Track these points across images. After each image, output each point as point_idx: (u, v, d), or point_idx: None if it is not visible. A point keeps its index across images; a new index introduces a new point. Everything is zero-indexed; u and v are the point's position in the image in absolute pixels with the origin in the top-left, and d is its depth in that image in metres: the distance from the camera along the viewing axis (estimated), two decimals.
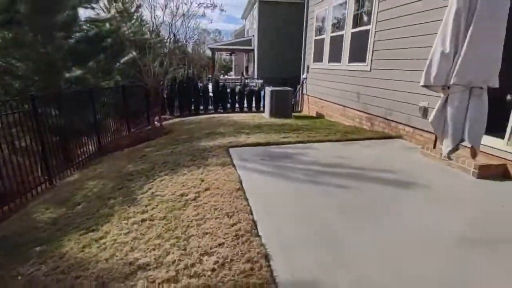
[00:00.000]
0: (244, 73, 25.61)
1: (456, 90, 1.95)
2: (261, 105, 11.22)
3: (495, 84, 1.96)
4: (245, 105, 11.48)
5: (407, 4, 4.93)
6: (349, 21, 6.78)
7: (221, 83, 11.39)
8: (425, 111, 4.59)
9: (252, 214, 2.59)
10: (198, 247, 2.18)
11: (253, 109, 11.37)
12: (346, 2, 6.88)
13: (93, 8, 8.79)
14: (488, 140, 3.61)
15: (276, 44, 18.94)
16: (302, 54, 9.93)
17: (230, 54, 30.29)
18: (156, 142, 6.17)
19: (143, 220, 2.73)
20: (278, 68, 17.74)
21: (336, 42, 7.44)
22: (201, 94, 11.16)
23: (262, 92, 11.39)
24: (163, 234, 2.44)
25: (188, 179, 3.54)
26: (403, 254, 2.08)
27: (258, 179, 3.41)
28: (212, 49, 23.23)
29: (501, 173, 3.45)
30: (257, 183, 3.27)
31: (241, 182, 3.27)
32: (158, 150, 5.38)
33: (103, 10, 10.12)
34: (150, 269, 2.02)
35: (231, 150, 4.56)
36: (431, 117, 2.18)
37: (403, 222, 2.51)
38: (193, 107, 11.11)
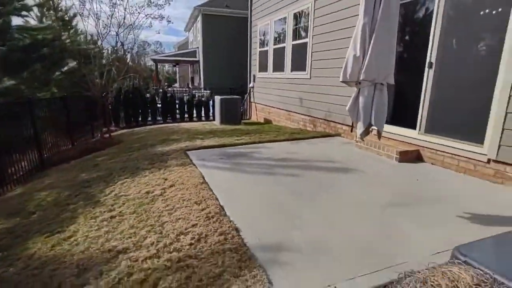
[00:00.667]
0: (190, 83, 25.61)
1: (365, 85, 2.54)
2: (211, 114, 11.52)
3: (391, 81, 2.61)
4: (194, 114, 11.65)
5: (333, 22, 5.78)
6: (289, 34, 7.54)
7: (169, 94, 11.42)
8: None
9: (218, 200, 2.90)
10: (174, 229, 2.42)
11: (203, 118, 11.59)
12: (285, 17, 7.64)
13: (23, 16, 8.29)
14: (405, 132, 4.46)
15: (220, 56, 19.48)
16: (248, 64, 10.54)
17: (174, 66, 30.04)
18: (107, 152, 6.07)
19: (112, 217, 2.84)
20: (224, 78, 18.23)
21: (279, 53, 8.16)
22: (148, 104, 11.04)
23: (211, 102, 11.73)
24: (136, 225, 2.61)
25: (151, 179, 3.70)
26: (343, 219, 2.59)
27: (219, 174, 3.72)
28: (155, 60, 22.88)
29: (415, 157, 4.29)
30: (218, 177, 3.57)
31: (203, 177, 3.54)
32: (111, 158, 5.34)
33: (34, 19, 9.53)
34: (130, 252, 2.20)
35: (188, 152, 4.79)
36: (348, 106, 2.75)
37: (343, 198, 3.06)
38: (140, 118, 10.93)
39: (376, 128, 2.76)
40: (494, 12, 3.47)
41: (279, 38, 8.19)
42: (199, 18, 19.52)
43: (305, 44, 6.84)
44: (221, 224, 2.41)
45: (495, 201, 2.95)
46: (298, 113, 7.44)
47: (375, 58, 2.40)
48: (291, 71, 7.59)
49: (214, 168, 3.97)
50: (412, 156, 4.27)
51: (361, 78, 2.49)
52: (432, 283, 1.57)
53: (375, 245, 2.19)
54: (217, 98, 8.86)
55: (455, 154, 3.80)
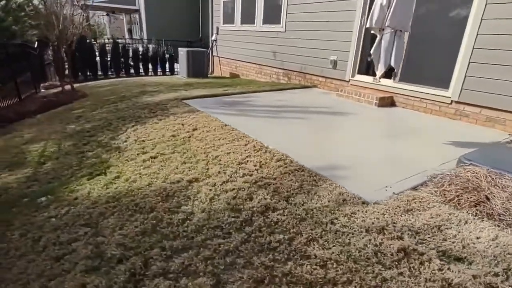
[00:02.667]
0: (126, 36, 23.20)
1: (388, 31, 2.97)
2: (167, 68, 11.00)
3: (409, 29, 3.09)
4: (150, 69, 10.96)
5: None
6: None
7: (122, 45, 10.45)
8: (335, 63, 5.90)
9: (252, 137, 3.17)
10: (231, 161, 2.67)
11: (159, 72, 11.01)
12: None
13: None
14: (383, 81, 5.14)
15: (168, 5, 17.95)
16: (210, 16, 10.13)
17: (107, 15, 26.52)
18: (82, 105, 5.62)
19: (153, 157, 2.93)
20: (176, 30, 17.06)
21: (249, 5, 8.06)
22: (98, 57, 10.00)
23: (167, 56, 11.14)
24: (187, 161, 2.77)
25: (167, 124, 3.74)
26: (361, 146, 3.14)
27: (234, 118, 3.92)
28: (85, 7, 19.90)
29: (390, 103, 5.05)
30: (236, 121, 3.77)
31: (222, 121, 3.73)
32: (93, 110, 5.03)
33: None
34: (202, 180, 2.41)
35: (186, 101, 4.79)
36: (372, 49, 3.17)
37: (352, 133, 3.62)
38: (89, 72, 9.91)
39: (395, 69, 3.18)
40: None
41: None
42: None
43: None
44: (272, 154, 2.74)
45: (457, 131, 3.82)
46: (271, 67, 7.70)
47: (399, 8, 2.81)
48: (263, 24, 7.66)
49: (225, 114, 4.14)
50: (388, 102, 5.02)
51: (385, 25, 2.89)
52: (460, 176, 2.20)
53: (396, 160, 2.79)
54: (183, 51, 8.52)
55: (423, 98, 4.62)
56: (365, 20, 5.29)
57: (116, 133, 3.72)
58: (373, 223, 1.81)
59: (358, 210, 1.94)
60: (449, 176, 2.26)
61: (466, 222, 1.86)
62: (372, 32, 3.10)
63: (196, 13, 19.06)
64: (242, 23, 8.50)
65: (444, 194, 2.12)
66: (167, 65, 11.14)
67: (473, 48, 3.97)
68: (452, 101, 4.29)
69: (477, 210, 1.94)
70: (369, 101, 5.01)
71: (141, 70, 10.76)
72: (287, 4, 6.77)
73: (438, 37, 4.48)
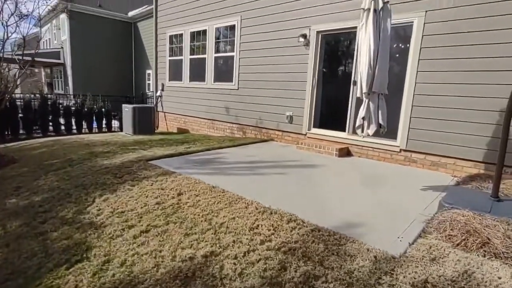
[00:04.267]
0: (45, 90, 21.17)
1: (374, 95, 3.39)
2: (104, 125, 10.24)
3: (386, 91, 3.55)
4: (84, 126, 10.03)
5: (259, 41, 6.62)
6: (211, 47, 7.88)
7: (51, 100, 9.47)
8: (291, 118, 6.33)
9: (248, 198, 3.07)
10: (240, 227, 2.51)
11: (94, 129, 10.14)
12: (206, 30, 7.94)
13: None
14: (337, 133, 5.67)
15: (98, 60, 17.33)
16: (153, 73, 10.08)
17: (21, 68, 24.06)
18: (14, 172, 4.74)
19: (145, 232, 2.58)
20: (109, 86, 16.31)
21: (198, 64, 8.33)
22: (21, 113, 8.80)
23: (104, 111, 10.44)
24: (190, 232, 2.51)
25: (143, 192, 3.38)
26: (351, 197, 3.32)
27: (215, 178, 3.75)
28: None
29: (346, 152, 5.54)
30: (219, 181, 3.62)
31: (205, 183, 3.55)
32: (36, 178, 4.29)
33: None
34: (220, 253, 2.19)
35: (152, 162, 4.47)
36: (362, 113, 3.50)
37: (326, 182, 3.81)
38: (8, 132, 8.58)
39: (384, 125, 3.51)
40: (401, 46, 5.08)
41: (198, 49, 8.37)
42: (64, 15, 16.70)
43: (232, 57, 7.37)
44: (280, 215, 2.68)
45: (414, 176, 4.37)
46: (224, 121, 7.84)
47: (380, 75, 3.25)
48: (214, 81, 7.93)
49: (203, 174, 3.96)
50: (345, 152, 5.50)
51: (372, 90, 3.29)
52: (456, 220, 2.47)
53: (388, 209, 3.01)
54: (128, 107, 8.16)
55: (376, 148, 5.22)
56: (316, 80, 5.95)
57: (82, 206, 3.21)
58: (414, 278, 1.87)
59: (394, 266, 1.99)
60: (446, 221, 2.52)
61: (481, 264, 2.05)
62: (358, 96, 3.48)
63: (129, 67, 18.76)
64: (191, 80, 8.65)
65: (450, 239, 2.33)
66: (103, 122, 10.38)
67: (412, 106, 4.76)
68: (401, 149, 4.94)
69: (484, 251, 2.18)
70: (329, 152, 5.42)
71: (74, 128, 9.77)
72: (239, 64, 7.22)
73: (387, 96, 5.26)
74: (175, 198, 3.16)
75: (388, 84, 4.77)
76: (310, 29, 5.85)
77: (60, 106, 9.66)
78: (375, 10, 3.12)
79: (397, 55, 5.33)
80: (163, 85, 9.71)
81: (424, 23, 4.55)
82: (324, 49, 6.05)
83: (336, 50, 6.83)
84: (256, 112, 6.99)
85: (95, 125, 10.17)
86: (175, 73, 9.16)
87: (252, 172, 4.22)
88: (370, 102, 3.33)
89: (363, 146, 5.37)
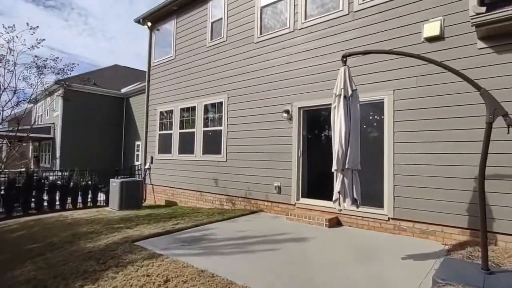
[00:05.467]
0: (31, 165, 20.94)
1: (348, 171, 3.56)
2: (89, 199, 9.97)
3: (359, 168, 3.74)
4: (68, 201, 9.74)
5: (246, 116, 7.06)
6: (200, 122, 8.29)
7: (37, 176, 9.34)
8: (279, 189, 6.41)
9: (239, 283, 2.95)
10: None
11: (79, 204, 9.84)
12: (195, 107, 8.45)
13: None
14: (326, 203, 5.72)
15: (88, 135, 17.68)
16: (143, 146, 10.31)
17: (7, 144, 24.10)
18: None
19: None
20: (95, 158, 16.36)
21: (187, 137, 8.64)
22: (2, 190, 8.57)
23: (91, 185, 10.28)
24: None
25: (128, 280, 3.21)
26: (340, 274, 3.24)
27: (205, 260, 3.62)
28: None
29: (336, 222, 5.52)
30: (209, 264, 3.49)
31: (194, 266, 3.41)
32: (11, 268, 4.03)
33: None
34: None
35: (139, 243, 4.31)
36: (337, 187, 3.64)
37: (321, 259, 3.72)
38: None
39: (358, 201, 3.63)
40: (377, 118, 5.50)
41: (187, 123, 8.77)
42: (60, 92, 17.48)
43: (220, 131, 7.73)
44: None
45: (406, 245, 4.33)
46: (213, 193, 7.82)
47: (352, 153, 3.48)
48: (203, 154, 8.14)
49: (191, 255, 3.83)
50: (335, 222, 5.49)
51: (346, 167, 3.48)
52: None
53: (386, 284, 2.93)
54: (116, 182, 8.12)
55: (365, 217, 5.25)
56: (300, 152, 6.22)
57: None
58: None
59: None
60: None
61: None
62: (334, 170, 3.64)
63: (119, 139, 19.11)
64: (180, 153, 8.85)
65: None
66: (89, 196, 10.15)
67: (394, 174, 4.96)
68: (389, 218, 4.98)
69: None
70: (319, 223, 5.40)
71: (57, 204, 9.46)
72: (227, 137, 7.54)
73: (369, 164, 5.49)
74: (162, 286, 3.01)
75: (371, 153, 5.05)
76: (292, 105, 6.33)
77: (45, 181, 9.50)
78: (345, 96, 3.50)
79: (376, 127, 5.74)
80: (152, 158, 9.86)
81: (394, 100, 5.04)
82: (307, 122, 6.47)
83: (319, 122, 7.29)
84: (245, 183, 7.07)
85: (80, 199, 9.90)
86: (165, 146, 9.40)
87: (243, 250, 4.10)
88: (344, 178, 3.49)
89: (352, 215, 5.39)
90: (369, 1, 5.41)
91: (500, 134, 3.47)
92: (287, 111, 6.31)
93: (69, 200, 9.61)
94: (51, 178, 10.28)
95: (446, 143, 4.55)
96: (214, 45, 8.09)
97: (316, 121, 7.01)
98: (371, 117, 5.92)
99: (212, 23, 8.28)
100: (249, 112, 7.11)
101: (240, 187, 7.17)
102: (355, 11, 5.58)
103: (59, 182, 9.76)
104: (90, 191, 10.16)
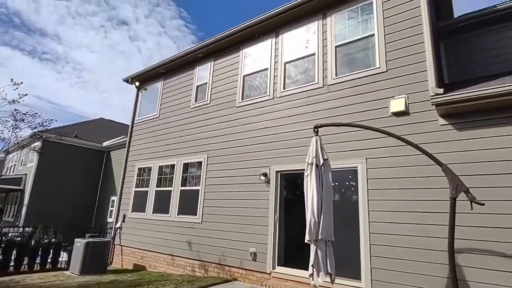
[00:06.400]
0: None
1: (322, 242, 3.47)
2: (49, 259, 9.08)
3: (333, 239, 3.66)
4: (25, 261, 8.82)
5: (225, 177, 7.04)
6: (178, 180, 8.16)
7: None
8: (255, 256, 6.10)
9: None
10: None
11: (37, 266, 8.91)
12: (174, 165, 8.39)
13: None
14: (306, 273, 5.43)
15: (61, 188, 16.89)
16: (116, 203, 9.88)
17: None
18: None
19: None
20: (65, 214, 15.40)
21: (163, 196, 8.39)
22: None
23: (53, 243, 9.45)
24: None
25: None
26: None
27: None
28: None
29: None
30: None
31: None
32: None
33: None
34: None
35: None
36: (311, 259, 3.48)
37: None
38: None
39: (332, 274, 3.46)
40: (353, 184, 5.56)
41: (165, 181, 8.60)
42: (35, 145, 17.10)
43: (197, 191, 7.58)
44: None
45: None
46: (186, 258, 7.34)
47: (325, 223, 3.43)
48: (178, 214, 7.84)
49: None
50: None
51: (319, 238, 3.40)
52: None
53: None
54: (81, 242, 7.57)
55: None
56: (277, 216, 6.10)
57: None
58: None
59: None
60: None
61: None
62: (307, 241, 3.54)
63: (95, 193, 18.33)
64: (154, 212, 8.50)
65: None
66: (49, 257, 9.26)
67: (370, 244, 4.87)
68: None
69: None
70: None
71: (12, 264, 8.54)
72: (204, 198, 7.37)
73: (345, 232, 5.39)
74: None
75: (347, 221, 4.99)
76: (270, 169, 6.40)
77: (3, 238, 8.70)
78: (317, 165, 3.58)
79: (352, 194, 5.79)
80: (124, 216, 9.38)
81: (367, 168, 5.19)
82: (285, 186, 6.48)
83: (296, 186, 7.31)
84: (219, 248, 6.71)
85: (39, 260, 9.00)
86: (139, 204, 9.04)
87: None
88: (318, 250, 3.39)
89: (328, 287, 5.10)
90: (342, 76, 5.92)
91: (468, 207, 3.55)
92: (264, 174, 6.35)
93: (25, 261, 8.73)
94: (10, 234, 9.46)
95: (417, 214, 4.59)
96: (198, 107, 8.40)
97: (293, 185, 7.01)
98: (347, 183, 6.01)
99: (197, 86, 8.71)
100: (228, 173, 7.10)
101: (214, 251, 6.79)
102: (329, 85, 6.05)
103: (18, 239, 8.97)
104: (51, 251, 9.32)
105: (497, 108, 4.25)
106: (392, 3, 5.61)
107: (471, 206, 3.05)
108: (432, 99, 4.56)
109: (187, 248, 7.33)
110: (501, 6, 5.85)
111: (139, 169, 9.53)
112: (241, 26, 7.55)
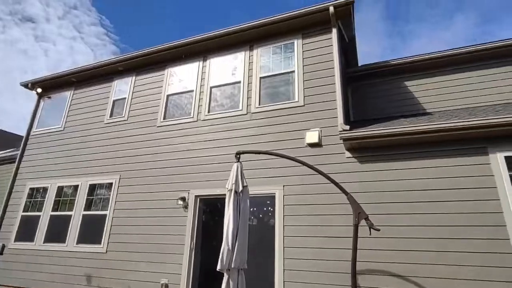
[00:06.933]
0: None
1: (234, 271, 3.39)
2: None
3: (245, 267, 3.62)
4: None
5: (138, 201, 6.51)
6: (81, 204, 7.15)
7: None
8: (166, 287, 5.63)
9: None
10: None
11: None
12: (78, 186, 7.37)
13: None
14: None
15: None
16: None
17: None
18: None
19: None
20: None
21: (60, 222, 7.21)
22: None
23: None
24: None
25: None
26: None
27: None
28: None
29: None
30: None
31: None
32: None
33: None
34: None
35: None
36: None
37: None
38: None
39: None
40: (270, 210, 5.69)
41: (64, 205, 7.44)
42: None
43: (104, 216, 6.75)
44: None
45: None
46: None
47: (240, 250, 3.39)
48: (78, 243, 6.80)
49: None
50: None
51: (232, 266, 3.31)
52: None
53: None
54: None
55: None
56: (194, 244, 5.82)
57: None
58: None
59: None
60: None
61: None
62: (218, 269, 3.42)
63: None
64: (46, 241, 7.20)
65: None
66: None
67: (284, 270, 5.00)
68: None
69: None
70: None
71: None
72: (112, 224, 6.60)
73: (262, 258, 5.42)
74: None
75: (264, 247, 5.03)
76: (189, 193, 6.15)
77: None
78: (236, 192, 3.59)
79: (269, 221, 5.93)
80: (3, 246, 7.68)
81: (284, 195, 5.43)
82: (205, 211, 6.29)
83: (217, 211, 7.18)
84: (126, 281, 6.00)
85: None
86: (27, 231, 7.56)
87: None
88: (230, 279, 3.33)
89: None
90: (264, 106, 6.23)
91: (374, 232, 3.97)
92: (183, 199, 6.06)
93: None
94: None
95: (326, 238, 4.95)
96: (113, 122, 7.70)
97: (214, 210, 6.88)
98: (265, 209, 6.17)
99: (114, 100, 8.03)
100: (142, 196, 6.56)
101: (119, 285, 6.03)
102: (253, 112, 6.28)
103: None
104: None
105: (390, 146, 5.01)
106: (311, 46, 6.27)
107: (370, 232, 3.42)
108: (340, 134, 5.13)
109: (85, 283, 6.34)
110: (393, 62, 7.13)
111: (31, 189, 8.06)
112: (168, 45, 7.39)
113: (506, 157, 4.39)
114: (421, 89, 6.91)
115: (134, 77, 8.02)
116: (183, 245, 5.81)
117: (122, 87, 8.10)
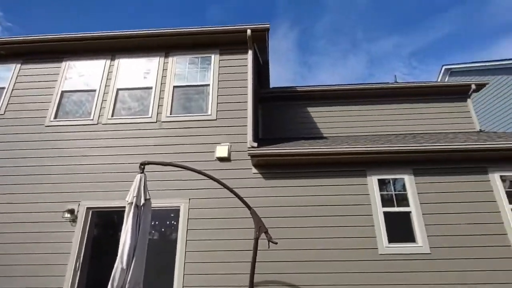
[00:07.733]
0: None
1: None
2: None
3: (141, 287, 3.34)
4: None
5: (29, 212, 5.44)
6: None
7: None
8: None
9: None
10: None
11: None
12: None
13: None
14: None
15: None
16: None
17: None
18: None
19: None
20: None
21: None
22: None
23: None
24: None
25: None
26: None
27: None
28: None
29: None
30: None
31: None
32: None
33: None
34: None
35: None
36: None
37: None
38: None
39: None
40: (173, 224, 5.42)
41: None
42: None
43: None
44: None
45: None
46: None
47: (137, 269, 3.11)
48: None
49: None
50: None
51: (126, 287, 3.01)
52: None
53: None
54: None
55: None
56: (80, 263, 5.11)
57: None
58: None
59: None
60: None
61: None
62: None
63: None
64: None
65: None
66: None
67: (183, 286, 4.82)
68: None
69: None
70: None
71: None
72: None
73: (162, 274, 5.08)
74: None
75: (165, 262, 4.76)
76: (79, 204, 5.41)
77: None
78: (137, 205, 3.35)
79: (171, 235, 5.67)
80: None
81: (189, 208, 5.30)
82: (97, 225, 5.60)
83: (113, 225, 6.49)
84: None
85: None
86: None
87: None
88: None
89: None
90: (176, 116, 6.05)
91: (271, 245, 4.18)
92: (71, 211, 5.29)
93: None
94: None
95: (230, 252, 5.01)
96: None
97: (109, 225, 6.20)
98: (168, 222, 5.89)
99: None
100: (16, 208, 5.45)
101: None
102: (163, 121, 6.02)
103: None
104: None
105: (291, 164, 5.48)
106: (227, 63, 6.45)
107: (268, 245, 3.63)
108: (248, 150, 5.35)
109: None
110: (299, 88, 7.91)
111: None
112: (68, 35, 6.54)
113: (379, 180, 5.32)
114: (320, 115, 7.83)
115: (19, 65, 6.77)
116: (66, 265, 5.02)
117: (3, 73, 6.73)
